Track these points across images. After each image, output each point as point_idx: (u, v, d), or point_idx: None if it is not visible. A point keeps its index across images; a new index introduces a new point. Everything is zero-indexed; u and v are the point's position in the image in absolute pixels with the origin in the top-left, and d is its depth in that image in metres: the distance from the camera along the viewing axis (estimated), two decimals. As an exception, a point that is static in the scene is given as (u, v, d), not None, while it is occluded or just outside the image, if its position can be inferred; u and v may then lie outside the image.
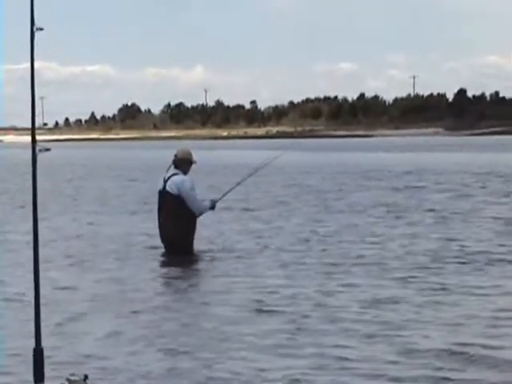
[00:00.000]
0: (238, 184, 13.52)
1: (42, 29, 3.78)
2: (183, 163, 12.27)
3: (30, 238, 4.20)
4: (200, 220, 12.48)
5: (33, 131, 4.01)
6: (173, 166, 12.26)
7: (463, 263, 11.19)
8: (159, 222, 12.37)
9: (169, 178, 12.15)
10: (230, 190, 13.41)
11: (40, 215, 4.20)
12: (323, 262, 11.46)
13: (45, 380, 4.01)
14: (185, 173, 12.23)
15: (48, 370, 4.08)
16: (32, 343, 4.17)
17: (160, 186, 12.29)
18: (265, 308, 8.69)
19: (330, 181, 28.37)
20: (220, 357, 6.85)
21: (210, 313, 8.60)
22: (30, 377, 4.18)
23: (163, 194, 12.20)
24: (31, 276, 4.24)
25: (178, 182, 12.08)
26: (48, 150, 4.05)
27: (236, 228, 15.39)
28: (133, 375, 6.38)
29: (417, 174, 31.25)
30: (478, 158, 43.85)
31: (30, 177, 4.09)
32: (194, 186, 12.18)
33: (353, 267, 10.97)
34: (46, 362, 4.17)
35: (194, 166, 12.48)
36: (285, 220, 16.62)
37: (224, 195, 13.15)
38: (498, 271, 10.61)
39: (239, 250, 12.60)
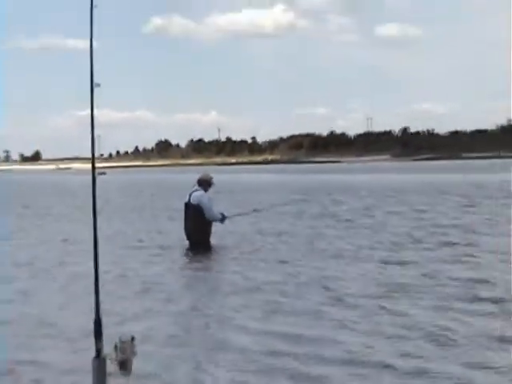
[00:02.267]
0: (245, 214, 14.12)
1: (99, 85, 3.74)
2: (204, 182, 12.35)
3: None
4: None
5: (93, 160, 3.98)
6: (197, 184, 12.33)
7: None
8: (185, 225, 12.39)
9: (192, 192, 12.25)
10: (239, 214, 13.89)
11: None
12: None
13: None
14: (205, 190, 12.29)
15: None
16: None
17: (186, 199, 12.34)
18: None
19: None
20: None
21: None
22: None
23: (188, 204, 12.25)
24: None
25: (198, 195, 12.18)
26: (104, 173, 4.01)
27: (248, 228, 14.95)
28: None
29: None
30: (416, 178, 43.78)
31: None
32: (211, 200, 12.28)
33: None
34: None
35: (213, 187, 12.47)
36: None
37: (233, 216, 13.20)
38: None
39: (246, 246, 12.47)
